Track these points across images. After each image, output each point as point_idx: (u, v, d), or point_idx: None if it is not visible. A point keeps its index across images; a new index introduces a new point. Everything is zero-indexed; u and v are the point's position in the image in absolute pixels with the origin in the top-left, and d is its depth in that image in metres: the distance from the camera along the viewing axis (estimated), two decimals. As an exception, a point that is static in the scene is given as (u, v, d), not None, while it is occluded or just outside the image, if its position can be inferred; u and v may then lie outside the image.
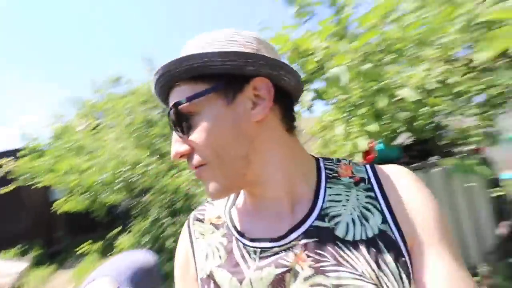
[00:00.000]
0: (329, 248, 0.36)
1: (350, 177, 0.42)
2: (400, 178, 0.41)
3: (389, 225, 0.37)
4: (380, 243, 0.35)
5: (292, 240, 0.37)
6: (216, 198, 0.40)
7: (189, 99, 0.36)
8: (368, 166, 0.44)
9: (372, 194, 0.40)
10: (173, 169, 3.75)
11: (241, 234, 0.41)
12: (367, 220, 0.37)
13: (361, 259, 0.35)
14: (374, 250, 0.35)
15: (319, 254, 0.35)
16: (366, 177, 0.42)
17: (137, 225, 4.00)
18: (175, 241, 3.56)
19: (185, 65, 0.35)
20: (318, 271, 0.34)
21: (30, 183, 4.05)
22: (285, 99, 0.42)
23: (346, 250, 0.35)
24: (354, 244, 0.36)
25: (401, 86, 1.13)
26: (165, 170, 3.85)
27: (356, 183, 0.41)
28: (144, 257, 1.55)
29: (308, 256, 0.36)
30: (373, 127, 1.36)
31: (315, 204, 0.39)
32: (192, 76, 0.36)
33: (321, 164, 0.44)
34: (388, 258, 0.34)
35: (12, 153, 4.37)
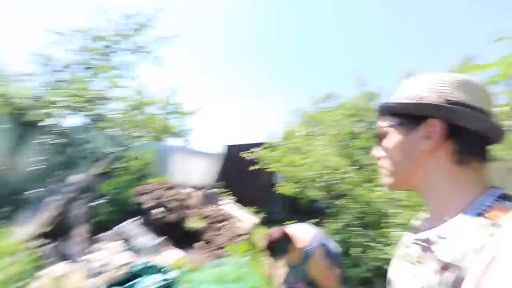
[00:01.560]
0: (422, 252, 0.50)
1: (491, 220, 0.41)
2: None
3: (471, 267, 0.38)
4: (453, 272, 0.40)
5: (417, 238, 0.53)
6: (387, 189, 0.60)
7: (385, 127, 0.57)
8: None
9: (488, 239, 0.38)
10: (369, 182, 3.85)
11: (415, 226, 0.61)
12: (463, 254, 0.40)
13: (431, 270, 0.45)
14: (443, 272, 0.42)
15: (420, 253, 0.51)
16: (503, 226, 0.39)
17: (331, 223, 4.54)
18: (362, 252, 3.66)
19: (386, 107, 0.58)
20: (414, 261, 0.52)
21: (264, 167, 5.83)
22: (466, 136, 0.48)
23: (429, 259, 0.47)
24: (434, 258, 0.45)
25: None
26: (361, 181, 4.03)
27: (489, 226, 0.40)
28: (335, 243, 2.04)
29: (417, 251, 0.52)
30: None
31: (442, 226, 0.48)
32: (390, 113, 0.57)
33: (480, 199, 0.46)
34: (448, 283, 0.40)
35: (258, 145, 6.45)
